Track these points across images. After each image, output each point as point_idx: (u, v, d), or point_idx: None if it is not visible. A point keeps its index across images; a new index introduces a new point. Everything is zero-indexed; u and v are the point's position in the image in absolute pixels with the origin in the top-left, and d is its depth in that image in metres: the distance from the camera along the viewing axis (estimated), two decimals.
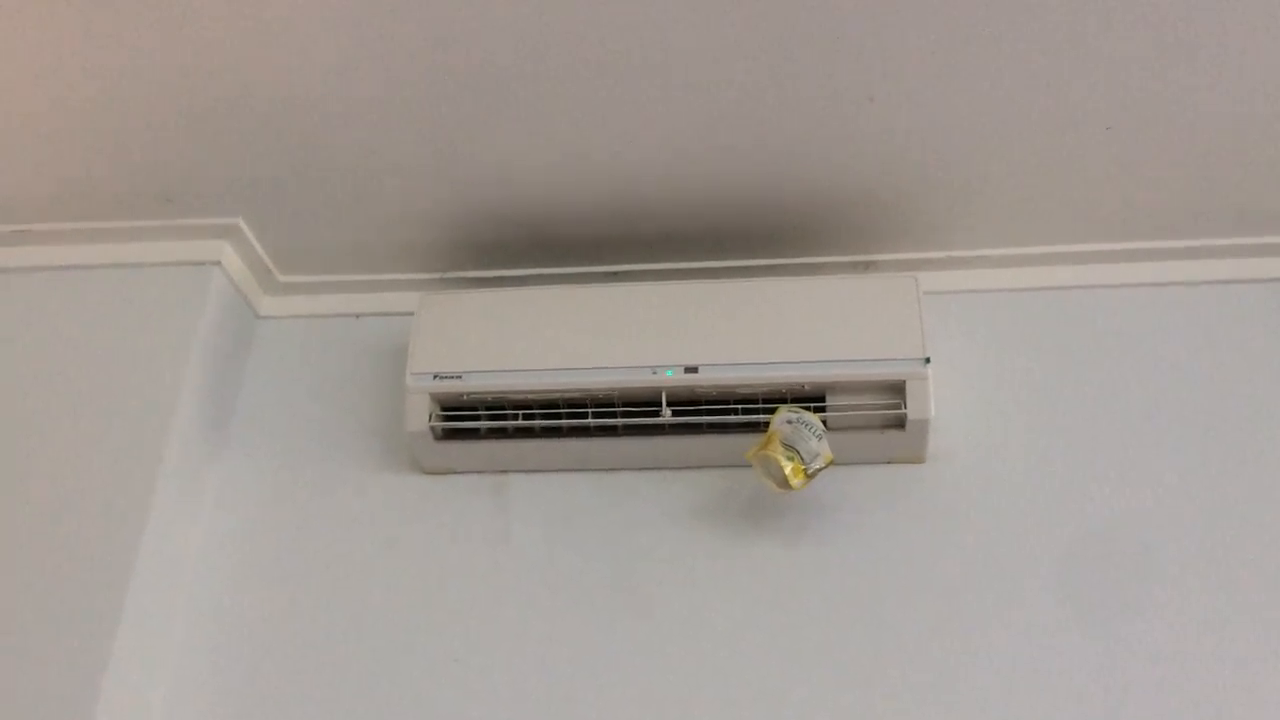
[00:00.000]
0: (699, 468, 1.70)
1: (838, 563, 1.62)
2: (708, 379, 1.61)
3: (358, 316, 1.90)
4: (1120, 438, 1.67)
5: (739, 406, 1.61)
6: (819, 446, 1.53)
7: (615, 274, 1.83)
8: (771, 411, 1.57)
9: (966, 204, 1.72)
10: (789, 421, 1.54)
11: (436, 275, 1.88)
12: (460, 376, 1.66)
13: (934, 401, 1.60)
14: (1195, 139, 1.59)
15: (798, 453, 1.53)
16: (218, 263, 1.81)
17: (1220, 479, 1.63)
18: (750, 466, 1.58)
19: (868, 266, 1.81)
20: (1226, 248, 1.75)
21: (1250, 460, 1.64)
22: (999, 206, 1.72)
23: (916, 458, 1.67)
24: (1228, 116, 1.55)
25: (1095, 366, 1.73)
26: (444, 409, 1.67)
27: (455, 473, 1.74)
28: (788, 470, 1.52)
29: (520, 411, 1.66)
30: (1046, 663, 1.53)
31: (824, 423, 1.56)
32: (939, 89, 1.52)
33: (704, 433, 1.65)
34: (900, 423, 1.61)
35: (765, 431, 1.56)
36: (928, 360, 1.59)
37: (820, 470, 1.54)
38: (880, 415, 1.62)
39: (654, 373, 1.62)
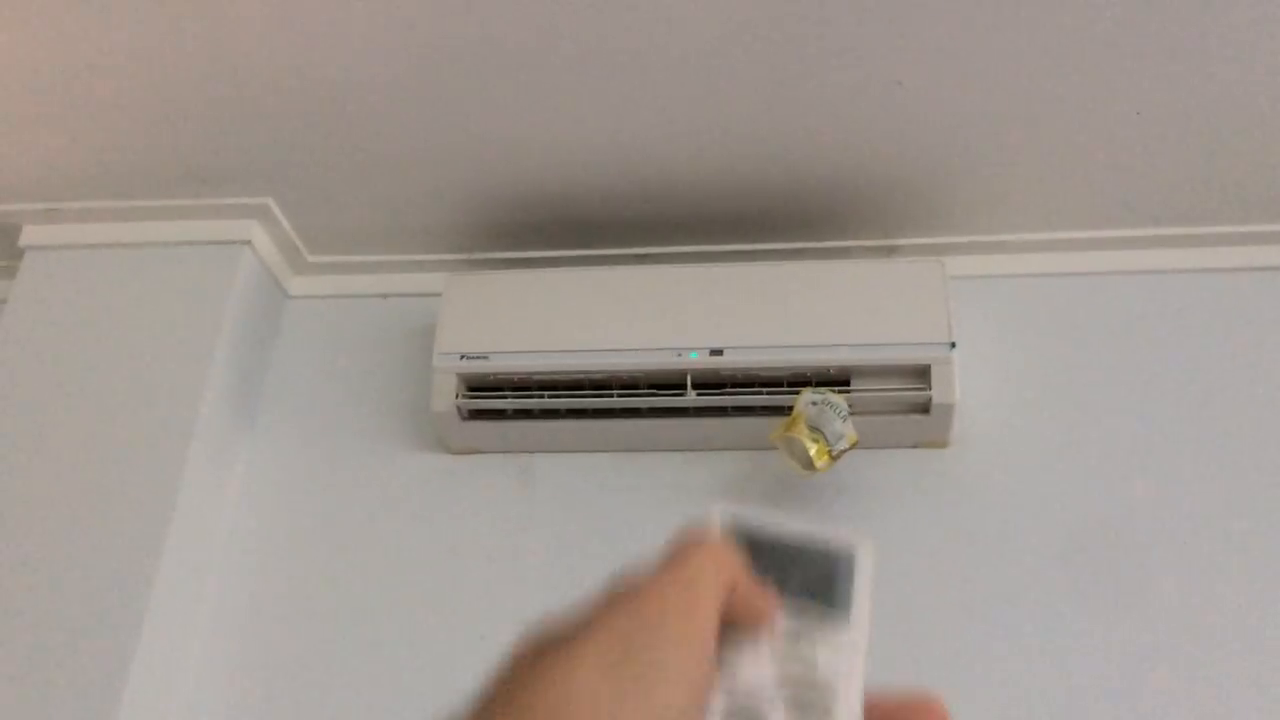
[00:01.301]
0: (723, 450, 1.71)
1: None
2: (732, 361, 1.62)
3: (385, 297, 1.92)
4: (1147, 425, 1.67)
5: (764, 389, 1.62)
6: (844, 428, 1.54)
7: (641, 256, 1.83)
8: (796, 394, 1.58)
9: (993, 189, 1.72)
10: (814, 403, 1.54)
11: (463, 256, 1.89)
12: (486, 357, 1.67)
13: (959, 386, 1.60)
14: (1226, 124, 1.57)
15: (823, 434, 1.53)
16: (248, 242, 1.82)
17: (1248, 468, 1.62)
18: (775, 449, 1.58)
19: (893, 251, 1.81)
20: (1258, 234, 1.74)
21: (1271, 453, 1.63)
22: (1026, 191, 1.72)
23: (941, 442, 1.67)
24: (1260, 101, 1.53)
25: (1122, 353, 1.73)
26: (470, 389, 1.68)
27: (481, 452, 1.75)
28: (812, 452, 1.52)
29: (545, 392, 1.67)
30: (1067, 648, 1.53)
31: (849, 405, 1.57)
32: (966, 74, 1.51)
33: (728, 415, 1.65)
34: (925, 407, 1.61)
35: (790, 414, 1.56)
36: (953, 345, 1.59)
37: (845, 451, 1.54)
38: (905, 399, 1.62)
39: (679, 355, 1.63)
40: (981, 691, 1.51)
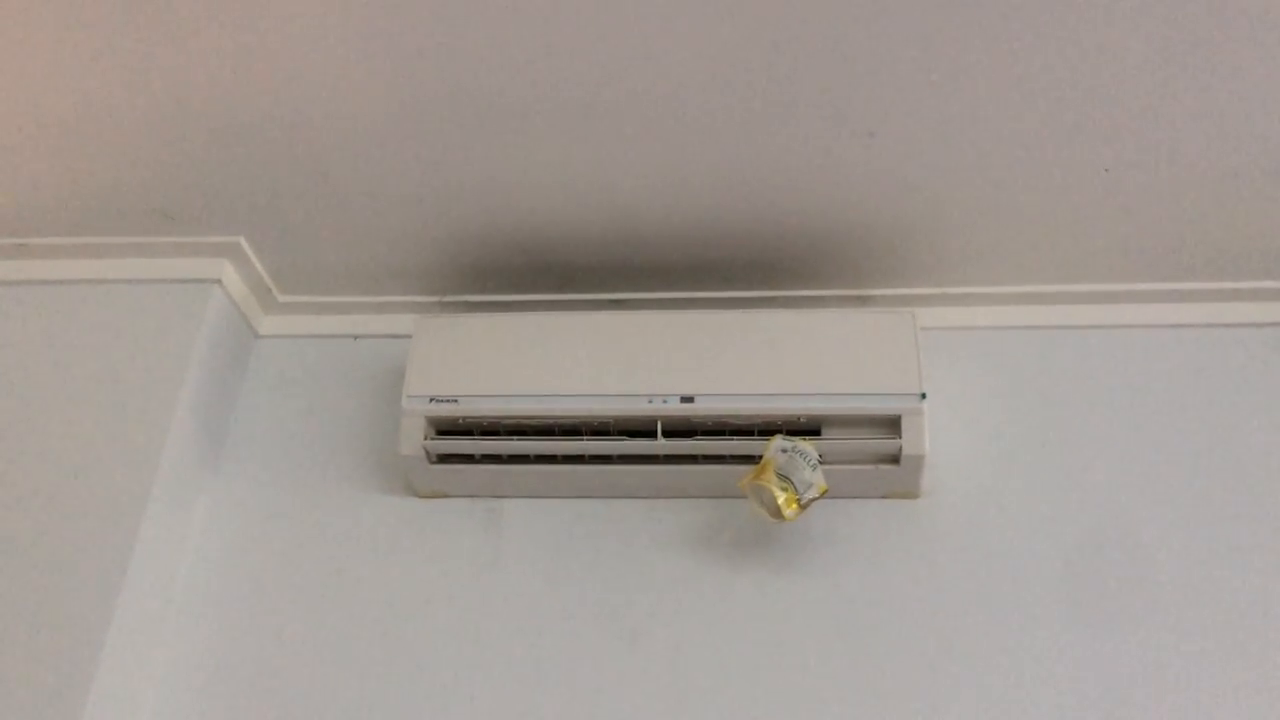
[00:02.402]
0: (693, 498, 1.70)
1: (829, 596, 1.61)
2: (704, 409, 1.61)
3: (355, 338, 1.90)
4: (1116, 478, 1.67)
5: (734, 437, 1.61)
6: (813, 476, 1.53)
7: (614, 301, 1.83)
8: (766, 442, 1.57)
9: (965, 241, 1.73)
10: (783, 450, 1.54)
11: (435, 299, 1.89)
12: (456, 400, 1.66)
13: (929, 437, 1.60)
14: (1192, 182, 1.59)
15: (791, 482, 1.53)
16: (218, 281, 1.81)
17: (1215, 522, 1.62)
18: (745, 497, 1.57)
19: (865, 301, 1.82)
20: (1222, 291, 1.76)
21: (1245, 504, 1.63)
22: (997, 244, 1.73)
23: (911, 493, 1.67)
24: (1224, 161, 1.55)
25: (1091, 406, 1.73)
26: (439, 432, 1.66)
27: (449, 496, 1.74)
28: (781, 500, 1.51)
29: (515, 437, 1.65)
30: (1038, 700, 1.52)
31: (818, 454, 1.56)
32: (939, 126, 1.53)
33: (698, 462, 1.65)
34: (895, 458, 1.61)
35: (759, 461, 1.56)
36: (924, 396, 1.59)
37: (814, 500, 1.53)
38: (875, 449, 1.62)
39: (650, 401, 1.62)
40: None
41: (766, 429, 1.60)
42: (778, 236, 1.73)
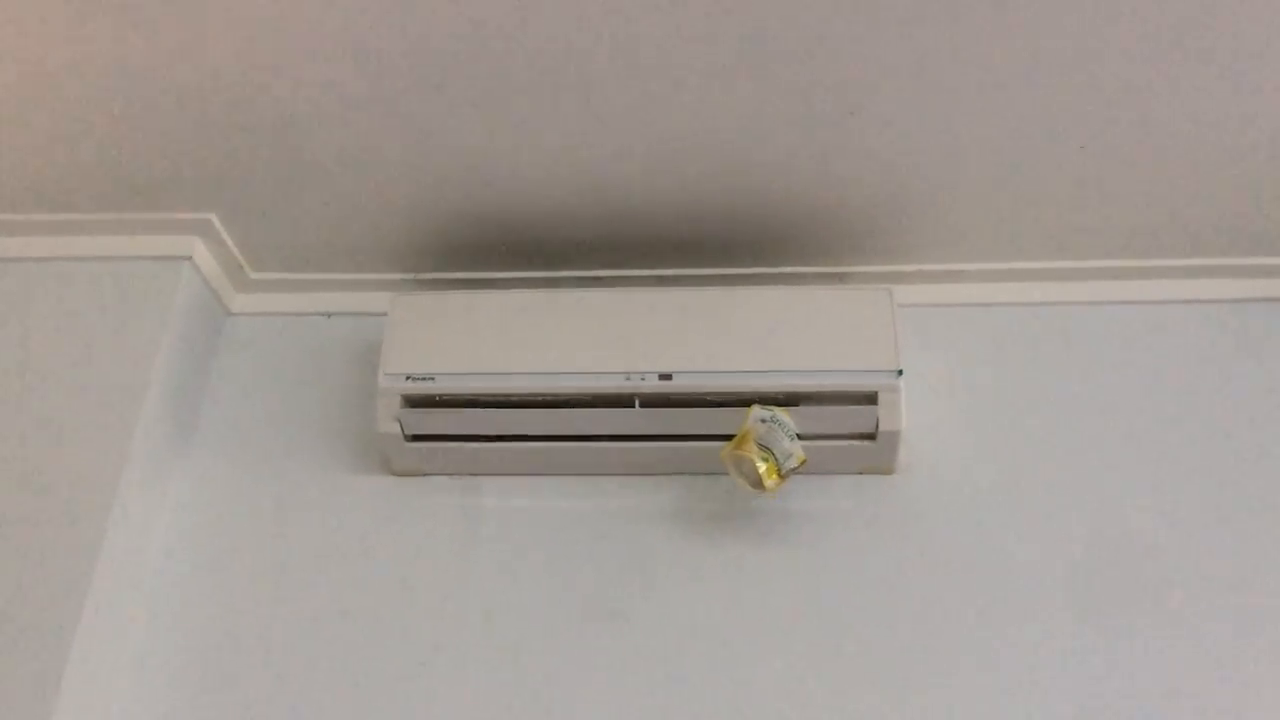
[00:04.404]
0: (671, 474, 1.70)
1: (807, 571, 1.62)
2: (681, 385, 1.61)
3: (330, 315, 1.89)
4: (1090, 454, 1.69)
5: (713, 413, 1.61)
6: (792, 447, 1.53)
7: (592, 279, 1.82)
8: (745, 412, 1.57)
9: (943, 219, 1.73)
10: (763, 420, 1.54)
11: (411, 276, 1.87)
12: (433, 378, 1.65)
13: (906, 413, 1.61)
14: (1169, 160, 1.60)
15: (772, 453, 1.53)
16: (189, 258, 1.79)
17: (1188, 494, 1.64)
18: (723, 473, 1.58)
19: (845, 278, 1.82)
20: (1198, 268, 1.78)
21: (1218, 477, 1.65)
22: (975, 222, 1.73)
23: (887, 468, 1.68)
24: (1201, 139, 1.57)
25: (1067, 382, 1.75)
26: (416, 410, 1.65)
27: (426, 474, 1.73)
28: (762, 470, 1.52)
29: (493, 414, 1.65)
30: (1011, 673, 1.53)
31: (801, 431, 1.56)
32: (919, 105, 1.53)
33: (677, 439, 1.65)
34: (872, 433, 1.62)
35: (738, 433, 1.56)
36: (900, 372, 1.60)
37: (794, 470, 1.54)
38: (852, 425, 1.62)
39: (628, 378, 1.62)
40: (921, 714, 1.51)
41: (744, 405, 1.60)
42: (757, 214, 1.73)
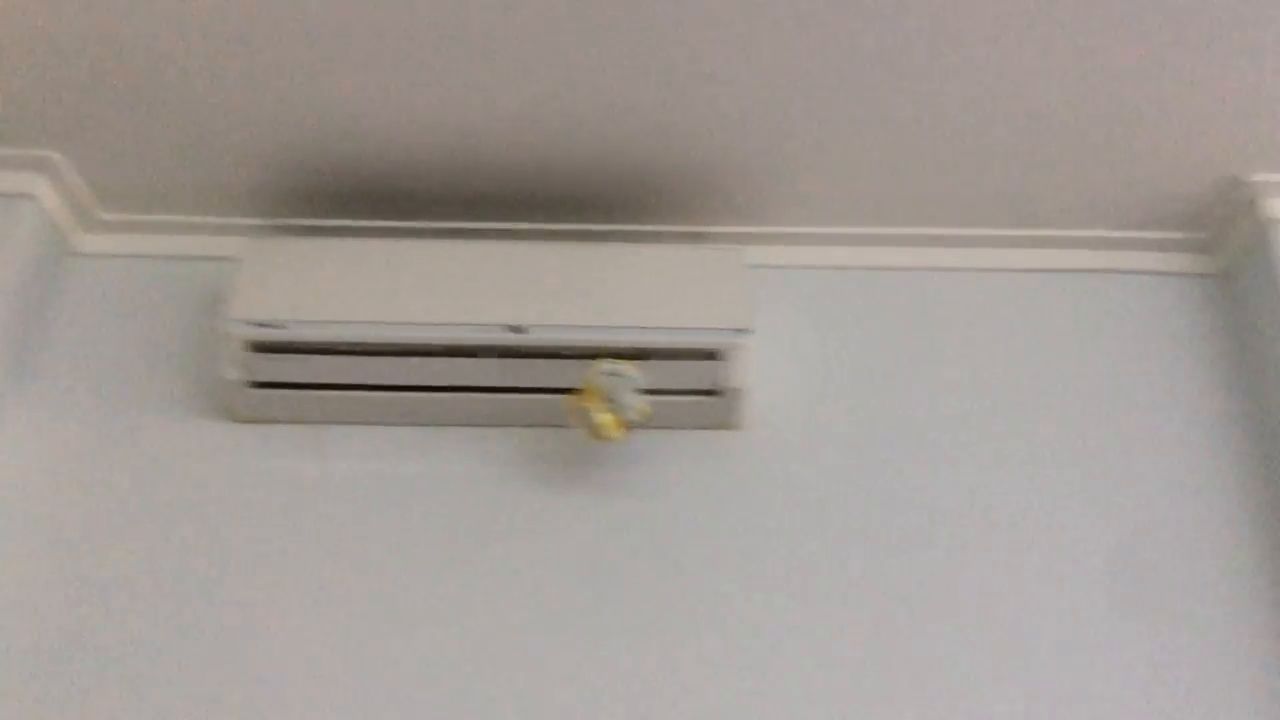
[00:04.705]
0: (520, 426, 1.71)
1: (651, 522, 1.65)
2: (532, 338, 1.62)
3: (180, 259, 1.85)
4: (930, 416, 1.74)
5: (561, 366, 1.62)
6: (635, 399, 1.56)
7: (448, 231, 1.82)
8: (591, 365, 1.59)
9: (796, 181, 1.76)
10: (606, 373, 1.56)
11: (264, 221, 1.84)
12: (283, 325, 1.63)
13: (752, 371, 1.64)
14: (1016, 132, 1.65)
15: (615, 404, 1.55)
16: (32, 196, 1.74)
17: (1027, 456, 1.71)
18: (570, 426, 1.59)
19: (700, 238, 1.84)
20: (1031, 238, 1.84)
21: (1051, 444, 1.72)
22: (826, 186, 1.77)
23: (733, 425, 1.71)
24: (1045, 113, 1.62)
25: (911, 346, 1.80)
26: (262, 356, 1.63)
27: (273, 422, 1.71)
28: (605, 421, 1.54)
29: (341, 362, 1.64)
30: (845, 627, 1.59)
31: (645, 386, 1.59)
32: (775, 68, 1.55)
33: (526, 391, 1.66)
34: (718, 390, 1.65)
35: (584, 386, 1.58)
36: (747, 331, 1.63)
37: (637, 423, 1.56)
38: (699, 382, 1.65)
39: (480, 330, 1.62)
40: (756, 665, 1.56)
41: (592, 359, 1.61)
42: (614, 172, 1.74)
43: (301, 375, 1.65)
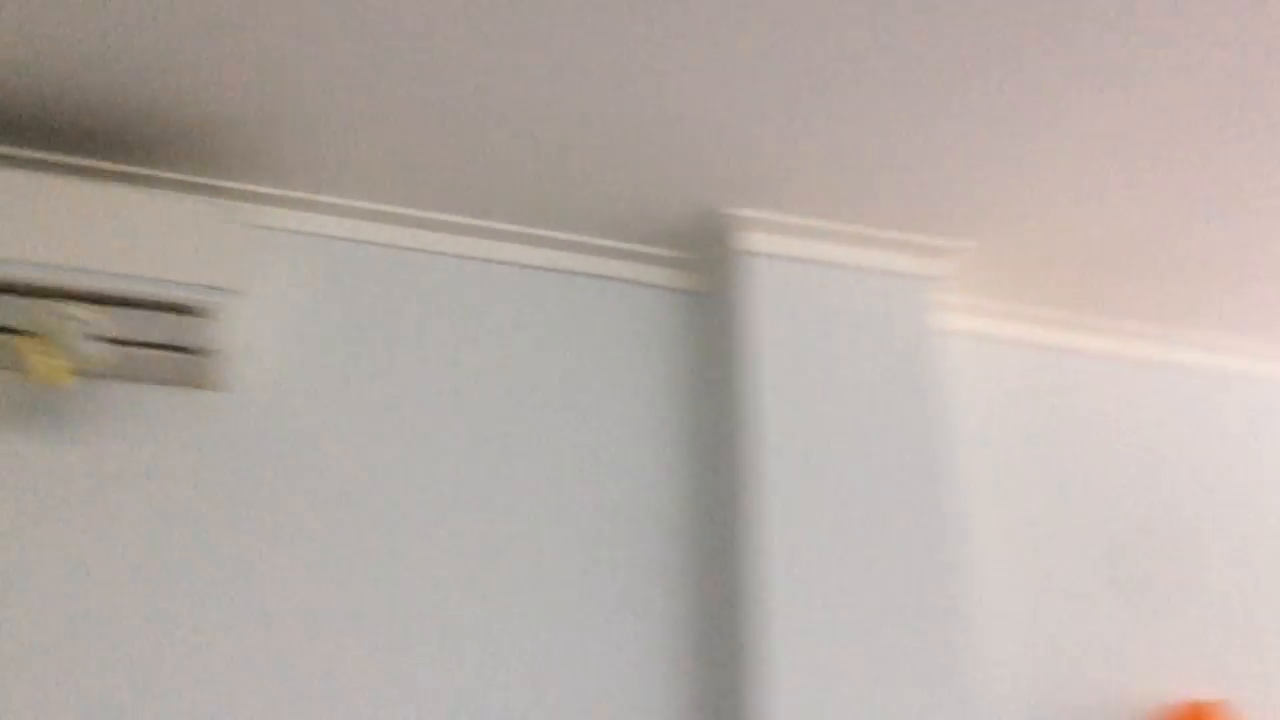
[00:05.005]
0: None
1: (118, 474, 1.60)
2: None
3: None
4: (404, 397, 1.79)
5: (13, 303, 1.53)
6: (91, 348, 1.50)
7: None
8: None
9: (310, 149, 1.75)
10: (54, 315, 1.49)
11: None
12: None
13: (243, 334, 1.63)
14: (520, 134, 1.73)
15: (62, 349, 1.49)
16: None
17: (489, 453, 1.79)
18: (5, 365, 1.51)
19: (213, 191, 1.80)
20: (544, 238, 1.94)
21: (514, 435, 1.82)
22: (343, 158, 1.77)
23: (215, 385, 1.69)
24: (560, 117, 1.70)
25: (401, 325, 1.84)
26: None
27: None
28: (46, 365, 1.47)
29: None
30: (307, 588, 1.61)
31: (113, 334, 1.53)
32: (293, 37, 1.53)
33: None
34: (201, 349, 1.62)
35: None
36: (236, 291, 1.61)
37: (96, 372, 1.50)
38: (182, 337, 1.61)
39: None
40: (218, 621, 1.56)
41: (49, 299, 1.53)
42: (131, 111, 1.65)
43: None
